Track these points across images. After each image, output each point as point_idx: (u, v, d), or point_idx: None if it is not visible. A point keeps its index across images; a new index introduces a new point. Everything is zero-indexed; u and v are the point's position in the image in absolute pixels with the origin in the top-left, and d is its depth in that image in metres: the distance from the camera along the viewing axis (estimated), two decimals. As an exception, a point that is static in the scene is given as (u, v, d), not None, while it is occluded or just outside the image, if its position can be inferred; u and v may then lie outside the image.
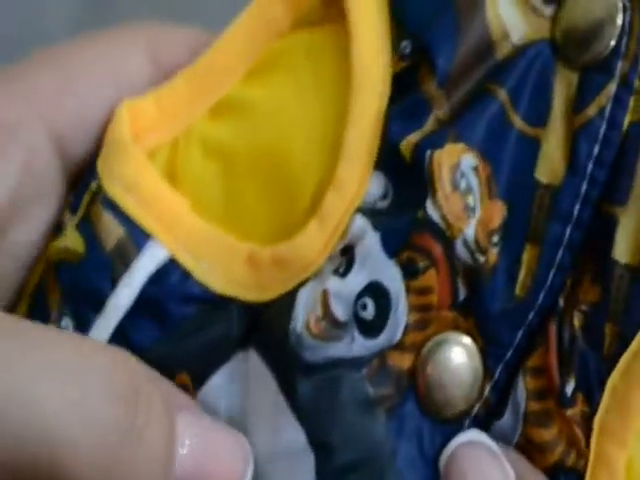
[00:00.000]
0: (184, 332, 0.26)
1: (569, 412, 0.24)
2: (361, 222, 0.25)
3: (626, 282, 0.23)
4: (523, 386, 0.24)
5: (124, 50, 0.28)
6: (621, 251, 0.24)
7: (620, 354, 0.23)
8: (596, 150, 0.24)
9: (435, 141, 0.25)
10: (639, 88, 0.24)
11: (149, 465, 0.22)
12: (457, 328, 0.25)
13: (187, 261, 0.26)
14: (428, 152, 0.25)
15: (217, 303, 0.26)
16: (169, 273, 0.26)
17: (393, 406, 0.25)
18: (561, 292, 0.24)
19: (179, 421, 0.23)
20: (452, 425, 0.25)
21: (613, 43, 0.24)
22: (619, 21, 0.24)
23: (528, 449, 0.24)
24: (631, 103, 0.24)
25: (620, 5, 0.24)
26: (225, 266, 0.26)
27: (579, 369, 0.24)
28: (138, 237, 0.26)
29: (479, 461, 0.24)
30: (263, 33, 0.27)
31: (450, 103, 0.25)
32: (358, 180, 0.25)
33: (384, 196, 0.25)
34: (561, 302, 0.24)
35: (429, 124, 0.25)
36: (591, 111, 0.24)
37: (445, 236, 0.24)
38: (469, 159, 0.25)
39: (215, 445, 0.24)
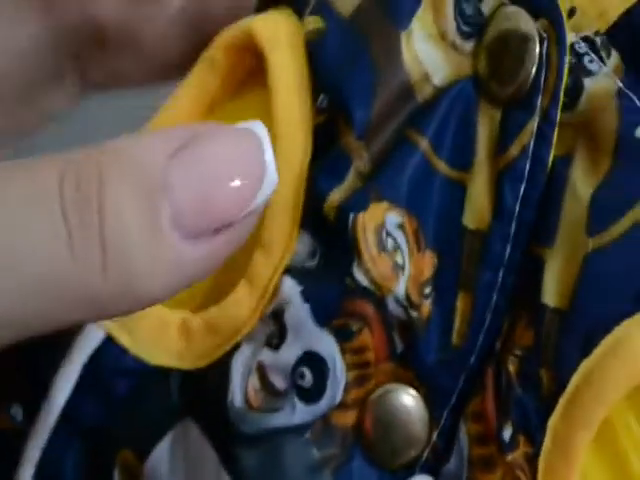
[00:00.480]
0: (126, 407, 0.26)
1: (509, 457, 0.23)
2: (290, 286, 0.24)
3: (555, 326, 0.23)
4: (465, 431, 0.24)
5: None
6: (549, 295, 0.23)
7: (558, 396, 0.23)
8: (522, 190, 0.23)
9: (358, 202, 0.24)
10: (562, 121, 0.23)
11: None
12: (398, 380, 0.25)
13: (122, 336, 0.26)
14: (351, 215, 0.24)
15: (155, 375, 0.26)
16: (107, 351, 0.26)
17: (340, 464, 0.24)
18: (499, 336, 0.24)
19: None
20: (402, 473, 0.25)
21: (532, 77, 0.23)
22: (536, 53, 0.23)
23: None
24: (554, 138, 0.23)
25: (537, 38, 0.23)
26: (159, 338, 0.26)
27: (516, 414, 0.23)
28: None
29: None
30: (200, 105, 0.27)
31: (370, 154, 0.24)
32: (285, 239, 0.25)
33: (312, 255, 0.25)
34: (498, 346, 0.24)
35: (350, 179, 0.24)
36: (514, 150, 0.23)
37: (376, 297, 0.24)
38: (394, 217, 0.24)
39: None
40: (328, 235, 0.24)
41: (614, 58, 0.23)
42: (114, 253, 0.19)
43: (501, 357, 0.24)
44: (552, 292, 0.23)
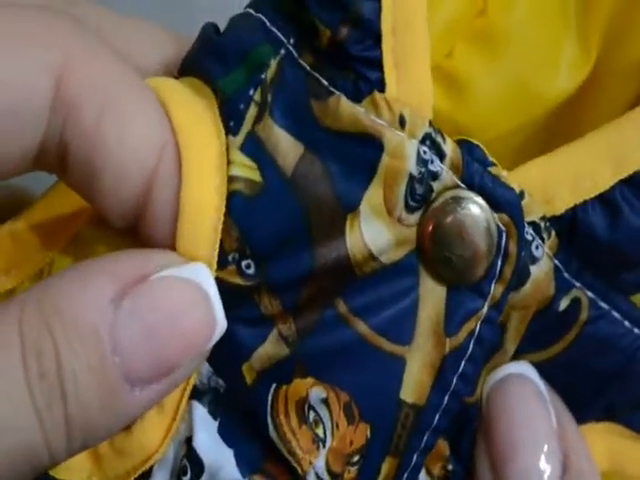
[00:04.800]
0: None
1: None
2: (202, 415, 0.23)
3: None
4: None
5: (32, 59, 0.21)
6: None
7: None
8: (462, 367, 0.23)
9: (282, 375, 0.23)
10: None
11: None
12: None
13: None
14: (273, 385, 0.23)
15: None
16: None
17: None
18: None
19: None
20: None
21: (485, 267, 0.22)
22: (495, 245, 0.22)
23: None
24: (499, 320, 0.23)
25: (496, 233, 0.22)
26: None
27: None
28: None
29: (527, 397, 0.23)
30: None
31: (297, 324, 0.23)
32: None
33: (213, 373, 0.23)
34: None
35: (273, 341, 0.23)
36: (462, 335, 0.23)
37: (297, 473, 0.23)
38: (318, 392, 0.23)
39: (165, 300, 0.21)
40: (240, 391, 0.23)
41: (552, 237, 0.23)
42: (75, 423, 0.20)
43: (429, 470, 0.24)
44: None
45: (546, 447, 0.23)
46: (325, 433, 0.23)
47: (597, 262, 0.23)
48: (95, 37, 0.21)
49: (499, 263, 0.23)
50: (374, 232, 0.22)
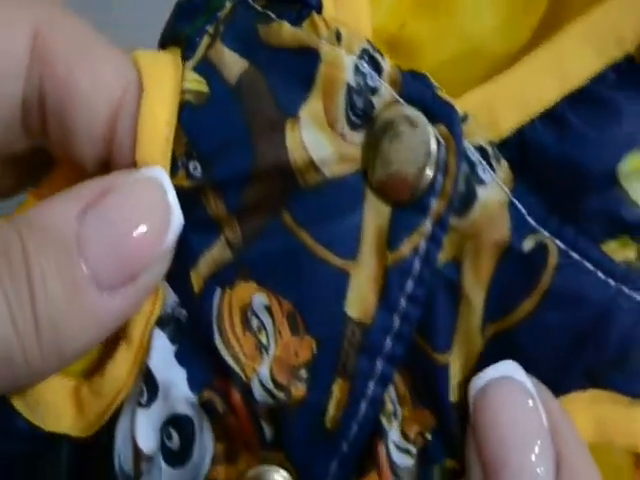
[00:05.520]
0: (13, 469, 0.26)
1: None
2: (162, 343, 0.24)
3: (458, 417, 0.23)
4: None
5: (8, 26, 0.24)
6: (453, 392, 0.23)
7: None
8: (409, 287, 0.23)
9: (225, 278, 0.24)
10: (452, 226, 0.23)
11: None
12: (268, 461, 0.24)
13: (16, 401, 0.25)
14: (218, 290, 0.24)
15: (46, 442, 0.25)
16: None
17: None
18: (380, 418, 0.24)
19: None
20: None
21: (430, 178, 0.23)
22: (434, 159, 0.22)
23: None
24: (445, 242, 0.23)
25: (435, 145, 0.22)
26: (52, 404, 0.25)
27: None
28: None
29: (513, 400, 0.23)
30: None
31: (242, 229, 0.24)
32: (154, 292, 0.24)
33: (180, 305, 0.24)
34: (384, 422, 0.24)
35: (219, 246, 0.24)
36: (405, 249, 0.23)
37: (241, 380, 0.24)
38: (261, 298, 0.24)
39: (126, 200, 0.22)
40: (192, 304, 0.24)
41: (504, 168, 0.23)
42: (44, 318, 0.21)
43: (404, 432, 0.24)
44: (455, 388, 0.23)
45: (537, 449, 0.22)
46: (268, 340, 0.24)
47: (553, 187, 0.23)
48: (62, 8, 0.24)
49: (439, 178, 0.23)
50: (314, 140, 0.23)
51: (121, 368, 0.25)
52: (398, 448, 0.24)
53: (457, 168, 0.23)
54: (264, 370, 0.24)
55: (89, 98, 0.23)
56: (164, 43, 0.25)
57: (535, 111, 0.23)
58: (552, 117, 0.23)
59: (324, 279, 0.23)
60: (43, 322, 0.21)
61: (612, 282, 0.23)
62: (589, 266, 0.23)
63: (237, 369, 0.24)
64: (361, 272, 0.23)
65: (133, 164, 0.23)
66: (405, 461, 0.24)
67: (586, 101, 0.22)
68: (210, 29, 0.24)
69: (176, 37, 0.25)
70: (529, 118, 0.23)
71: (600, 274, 0.23)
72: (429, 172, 0.23)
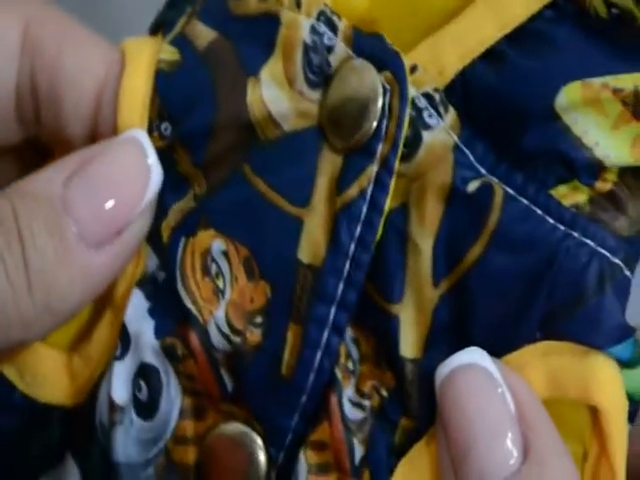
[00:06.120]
0: (8, 443, 0.27)
1: None
2: (139, 301, 0.25)
3: (415, 377, 0.23)
4: (304, 460, 0.24)
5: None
6: (406, 347, 0.23)
7: (412, 444, 0.23)
8: (358, 231, 0.23)
9: (188, 226, 0.25)
10: (400, 172, 0.23)
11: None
12: (234, 418, 0.24)
13: (11, 374, 0.26)
14: (182, 239, 0.25)
15: (40, 413, 0.26)
16: None
17: None
18: (335, 370, 0.24)
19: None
20: None
21: (374, 127, 0.23)
22: (379, 105, 0.23)
23: None
24: (391, 186, 0.23)
25: (380, 90, 0.23)
26: (46, 376, 0.26)
27: (369, 445, 0.23)
28: None
29: (478, 388, 0.22)
30: None
31: (208, 183, 0.25)
32: (135, 258, 0.25)
33: (159, 267, 0.25)
34: (339, 375, 0.24)
35: (187, 199, 0.25)
36: (352, 192, 0.23)
37: (199, 323, 0.24)
38: (219, 244, 0.24)
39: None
40: (164, 255, 0.25)
41: (451, 114, 0.23)
42: (35, 273, 0.23)
43: (359, 388, 0.24)
44: (408, 345, 0.23)
45: (504, 437, 0.21)
46: (225, 284, 0.24)
47: (497, 128, 0.23)
48: (49, 5, 0.27)
49: (385, 122, 0.23)
50: (274, 97, 0.24)
51: (106, 330, 0.26)
52: (351, 402, 0.24)
53: (401, 111, 0.23)
54: (220, 313, 0.24)
55: (76, 78, 0.25)
56: (152, 31, 0.27)
57: (476, 53, 0.23)
58: (491, 55, 0.23)
59: (278, 225, 0.24)
60: (35, 278, 0.23)
61: (561, 227, 0.22)
62: (537, 211, 0.22)
63: (196, 313, 0.24)
64: (313, 218, 0.24)
65: (116, 133, 0.25)
66: (357, 415, 0.24)
67: (525, 37, 0.23)
68: (189, 10, 0.26)
69: (162, 23, 0.27)
70: (470, 60, 0.23)
71: (549, 219, 0.22)
72: (374, 117, 0.23)
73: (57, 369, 0.26)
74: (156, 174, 0.25)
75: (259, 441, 0.24)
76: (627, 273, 0.23)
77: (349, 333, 0.24)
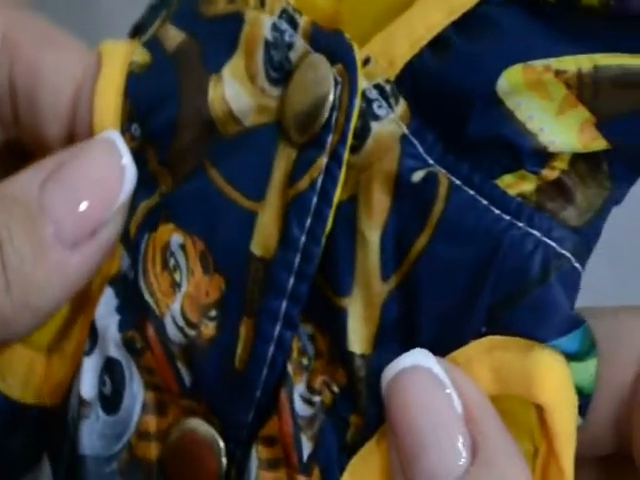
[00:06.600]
0: None
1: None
2: (108, 299, 0.26)
3: (365, 374, 0.23)
4: (255, 455, 0.24)
5: None
6: (355, 342, 0.23)
7: (362, 443, 0.22)
8: (308, 223, 0.23)
9: (150, 222, 0.25)
10: (350, 163, 0.23)
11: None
12: (194, 413, 0.25)
13: None
14: (146, 235, 0.25)
15: (19, 413, 0.27)
16: None
17: None
18: (287, 365, 0.23)
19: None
20: None
21: (325, 118, 0.23)
22: (331, 97, 0.23)
23: None
24: (341, 177, 0.23)
25: (332, 82, 0.23)
26: (25, 377, 0.27)
27: (318, 441, 0.23)
28: None
29: (423, 390, 0.22)
30: None
31: (174, 179, 0.25)
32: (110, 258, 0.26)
33: (132, 266, 0.26)
34: (290, 371, 0.23)
35: (154, 197, 0.25)
36: (303, 184, 0.23)
37: (156, 315, 0.25)
38: (177, 238, 0.25)
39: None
40: (132, 252, 0.26)
41: (401, 105, 0.23)
42: (13, 272, 0.24)
43: (310, 384, 0.23)
44: (357, 340, 0.23)
45: (450, 439, 0.21)
46: (181, 277, 0.25)
47: (443, 116, 0.22)
48: (27, 10, 0.28)
49: (335, 114, 0.23)
50: (235, 94, 0.25)
51: (81, 328, 0.26)
52: (302, 398, 0.23)
53: (349, 100, 0.23)
54: (176, 306, 0.25)
55: (53, 79, 0.26)
56: (131, 35, 0.28)
57: (425, 42, 0.23)
58: (438, 43, 0.23)
59: (232, 219, 0.24)
60: (13, 277, 0.24)
61: (506, 217, 0.22)
62: (483, 201, 0.22)
63: (153, 305, 0.25)
64: (267, 212, 0.24)
65: (92, 133, 0.26)
66: (307, 411, 0.23)
67: (471, 23, 0.22)
68: (164, 13, 0.27)
69: (141, 27, 0.28)
70: (419, 50, 0.23)
71: (493, 209, 0.22)
72: (326, 109, 0.23)
73: (36, 369, 0.27)
74: (130, 174, 0.25)
75: (217, 437, 0.24)
76: (576, 265, 0.22)
77: (305, 329, 0.24)
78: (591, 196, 0.22)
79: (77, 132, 0.26)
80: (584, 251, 0.22)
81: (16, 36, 0.27)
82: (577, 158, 0.22)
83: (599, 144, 0.22)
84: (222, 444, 0.24)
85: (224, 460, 0.24)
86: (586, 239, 0.22)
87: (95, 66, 0.26)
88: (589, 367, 0.22)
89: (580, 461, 0.22)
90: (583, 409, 0.22)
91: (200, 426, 0.24)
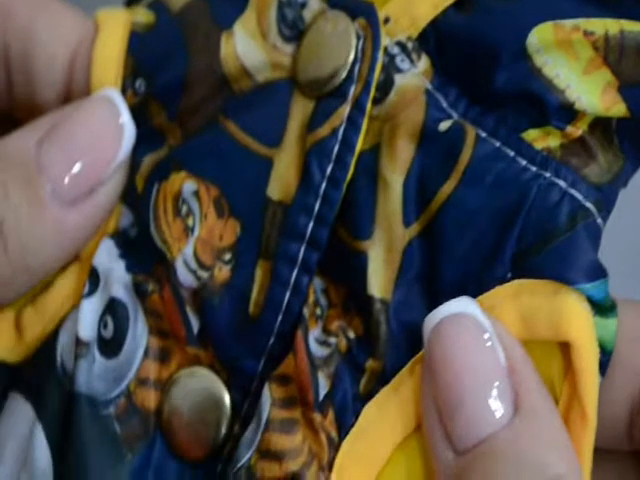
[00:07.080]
0: None
1: (319, 418, 0.22)
2: (109, 247, 0.25)
3: (384, 319, 0.22)
4: (269, 394, 0.23)
5: None
6: (375, 286, 0.23)
7: (376, 391, 0.22)
8: (329, 169, 0.23)
9: (161, 172, 0.25)
10: (372, 114, 0.23)
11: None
12: (199, 362, 0.24)
13: None
14: (156, 185, 0.25)
15: None
16: None
17: (141, 446, 0.24)
18: (304, 305, 0.23)
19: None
20: (203, 468, 0.24)
21: (347, 70, 0.23)
22: (353, 49, 0.23)
23: (267, 456, 0.23)
24: (363, 127, 0.23)
25: (354, 35, 0.24)
26: None
27: (335, 381, 0.23)
28: None
29: (468, 340, 0.21)
30: None
31: (184, 133, 0.25)
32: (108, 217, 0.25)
33: (133, 225, 0.25)
34: (306, 315, 0.23)
35: (161, 150, 0.25)
36: (324, 131, 0.23)
37: (166, 259, 0.24)
38: (190, 185, 0.24)
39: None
40: (139, 206, 0.25)
41: (424, 61, 0.23)
42: (10, 231, 0.23)
43: (325, 328, 0.23)
44: (377, 284, 0.23)
45: (494, 390, 0.21)
46: (194, 222, 0.24)
47: (469, 71, 0.23)
48: None
49: (357, 66, 0.23)
50: (247, 49, 0.25)
51: (68, 280, 0.25)
52: (317, 341, 0.23)
53: (373, 54, 0.23)
54: (189, 250, 0.24)
55: (48, 44, 0.26)
56: (127, 4, 0.28)
57: (450, 1, 0.23)
58: (463, 1, 0.23)
59: (248, 165, 0.24)
60: (10, 236, 0.23)
61: (532, 167, 0.22)
62: (509, 151, 0.23)
63: (164, 250, 0.24)
64: (284, 158, 0.24)
65: (90, 93, 0.26)
66: (323, 351, 0.23)
67: None
68: None
69: None
70: (443, 9, 0.23)
71: (520, 159, 0.22)
72: (348, 61, 0.23)
73: (6, 327, 0.26)
74: (129, 132, 0.25)
75: (223, 386, 0.24)
76: (599, 221, 0.22)
77: (319, 283, 0.24)
78: (610, 158, 0.23)
79: (73, 98, 0.26)
80: (604, 208, 0.23)
81: (8, 2, 0.26)
82: (595, 125, 0.23)
83: (619, 109, 0.22)
84: (228, 395, 0.24)
85: (228, 415, 0.24)
86: (606, 196, 0.23)
87: (92, 32, 0.26)
88: (610, 325, 0.22)
89: (607, 454, 0.22)
90: (604, 366, 0.22)
91: (203, 374, 0.24)
